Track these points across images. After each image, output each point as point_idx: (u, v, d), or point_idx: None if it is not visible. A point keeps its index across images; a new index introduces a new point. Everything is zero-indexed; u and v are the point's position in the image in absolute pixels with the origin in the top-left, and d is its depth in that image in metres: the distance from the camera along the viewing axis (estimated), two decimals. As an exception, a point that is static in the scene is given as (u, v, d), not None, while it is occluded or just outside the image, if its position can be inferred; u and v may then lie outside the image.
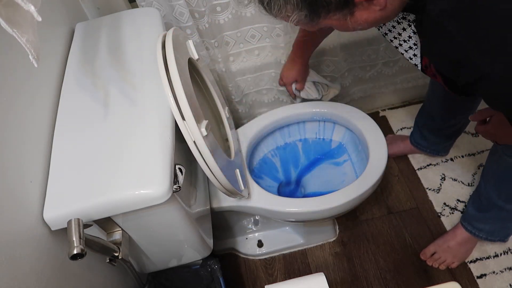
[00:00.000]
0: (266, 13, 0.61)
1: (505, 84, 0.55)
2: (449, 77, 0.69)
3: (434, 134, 1.27)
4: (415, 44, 0.74)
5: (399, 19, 0.72)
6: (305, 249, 1.25)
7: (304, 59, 1.08)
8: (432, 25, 0.59)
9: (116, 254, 0.70)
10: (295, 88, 1.14)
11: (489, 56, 0.53)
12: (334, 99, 1.21)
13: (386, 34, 0.78)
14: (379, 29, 0.79)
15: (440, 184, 1.33)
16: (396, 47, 0.79)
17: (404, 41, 0.75)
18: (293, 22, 0.59)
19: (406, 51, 0.77)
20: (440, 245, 1.16)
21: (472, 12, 0.53)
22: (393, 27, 0.74)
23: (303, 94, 1.15)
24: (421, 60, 0.75)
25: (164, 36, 0.76)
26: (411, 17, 0.70)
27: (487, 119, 0.83)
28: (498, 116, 0.78)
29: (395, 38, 0.77)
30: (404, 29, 0.73)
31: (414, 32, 0.72)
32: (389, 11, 0.59)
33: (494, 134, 0.80)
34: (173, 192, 0.67)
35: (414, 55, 0.75)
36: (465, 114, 1.15)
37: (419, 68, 0.77)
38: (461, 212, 1.26)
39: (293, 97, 1.18)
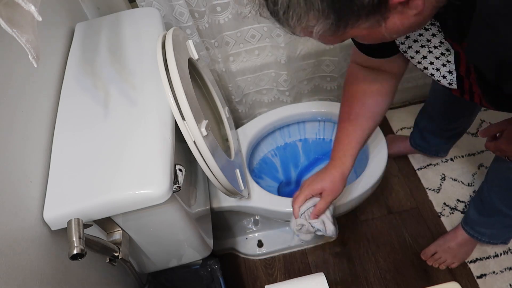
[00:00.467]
0: (280, 26, 0.51)
1: None
2: (490, 89, 0.60)
3: (435, 136, 1.26)
4: (447, 50, 0.64)
5: (427, 25, 0.63)
6: (305, 249, 1.25)
7: (348, 163, 0.79)
8: (480, 26, 0.51)
9: (116, 254, 0.70)
10: (304, 214, 0.79)
11: None
12: None
13: (406, 51, 0.69)
14: (399, 46, 0.69)
15: (440, 184, 1.33)
16: (419, 62, 0.67)
17: (435, 47, 0.65)
18: (317, 34, 0.49)
19: (431, 63, 0.67)
20: (441, 245, 1.16)
21: None
22: (420, 35, 0.65)
23: (317, 225, 0.77)
24: (466, 68, 0.64)
25: (164, 36, 0.76)
26: (438, 23, 0.62)
27: (497, 134, 0.76)
28: (510, 132, 0.72)
29: (417, 52, 0.67)
30: (433, 35, 0.64)
31: (444, 38, 0.63)
32: (424, 15, 0.51)
33: (505, 150, 0.74)
34: (173, 192, 0.67)
35: (448, 61, 0.66)
36: (466, 117, 1.15)
37: (451, 79, 0.66)
38: (461, 212, 1.26)
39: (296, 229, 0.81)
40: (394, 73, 0.79)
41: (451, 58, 0.64)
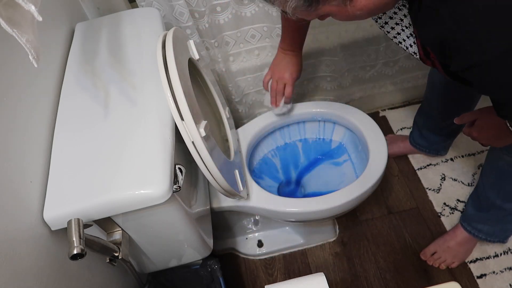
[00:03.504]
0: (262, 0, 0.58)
1: (496, 71, 0.53)
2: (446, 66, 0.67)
3: (434, 133, 1.27)
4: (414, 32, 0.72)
5: (399, 6, 0.70)
6: (305, 249, 1.25)
7: (299, 50, 1.00)
8: (424, 9, 0.57)
9: (116, 254, 0.70)
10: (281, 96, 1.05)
11: (480, 43, 0.51)
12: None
13: (383, 26, 0.76)
14: (376, 21, 0.77)
15: (440, 184, 1.33)
16: (395, 37, 0.76)
17: (406, 27, 0.72)
18: (290, 8, 0.55)
19: (404, 40, 0.74)
20: (440, 245, 1.16)
21: None
22: (395, 13, 0.72)
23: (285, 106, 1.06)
24: (422, 48, 0.72)
25: (165, 36, 0.76)
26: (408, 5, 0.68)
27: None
28: (481, 120, 0.78)
29: (392, 28, 0.74)
30: (405, 16, 0.70)
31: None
32: None
33: (476, 137, 0.80)
34: (173, 192, 0.67)
35: (414, 43, 0.73)
36: (463, 112, 1.15)
37: (417, 57, 0.75)
38: (461, 212, 1.26)
39: (273, 104, 1.08)
40: None
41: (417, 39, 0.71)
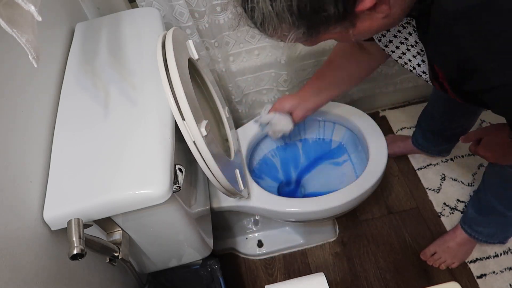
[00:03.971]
0: (260, 33, 0.56)
1: None
2: (458, 86, 0.63)
3: (437, 136, 1.26)
4: (422, 50, 0.68)
5: (404, 23, 0.66)
6: (305, 249, 1.25)
7: (322, 99, 0.97)
8: (434, 28, 0.54)
9: (116, 254, 0.70)
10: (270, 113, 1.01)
11: (501, 65, 0.49)
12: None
13: (387, 45, 0.72)
14: (380, 40, 0.73)
15: (440, 184, 1.33)
16: (400, 57, 0.72)
17: (412, 46, 0.69)
18: (291, 41, 0.55)
19: (409, 60, 0.71)
20: (440, 245, 1.16)
21: (484, 14, 0.47)
22: (399, 31, 0.68)
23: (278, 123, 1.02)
24: (430, 68, 0.68)
25: (164, 36, 0.76)
26: (414, 22, 0.64)
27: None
28: (488, 139, 0.76)
29: (397, 48, 0.71)
30: (410, 34, 0.67)
31: (419, 38, 0.66)
32: (393, 17, 0.54)
33: (483, 155, 0.78)
34: (173, 192, 0.67)
35: (423, 61, 0.70)
36: (468, 117, 1.15)
37: (426, 77, 0.71)
38: (461, 212, 1.26)
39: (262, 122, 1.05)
40: (376, 57, 0.88)
41: (425, 57, 0.67)
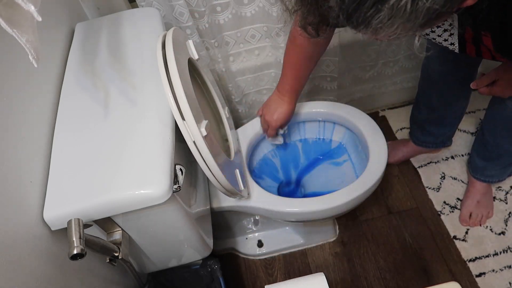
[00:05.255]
0: (352, 27, 0.46)
1: None
2: (502, 44, 0.63)
3: (438, 125, 1.26)
4: (450, 25, 0.71)
5: None
6: (305, 249, 1.25)
7: (294, 98, 1.01)
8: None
9: (116, 254, 0.70)
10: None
11: None
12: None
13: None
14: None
15: (440, 183, 1.34)
16: (427, 34, 0.75)
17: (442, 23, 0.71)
18: (389, 37, 0.45)
19: (439, 35, 0.75)
20: (470, 204, 1.23)
21: None
22: None
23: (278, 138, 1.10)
24: (463, 34, 0.71)
25: (164, 36, 0.76)
26: None
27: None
28: (503, 80, 0.82)
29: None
30: None
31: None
32: None
33: (500, 94, 0.84)
34: (173, 192, 0.67)
35: (451, 35, 0.73)
36: (462, 97, 1.17)
37: (455, 47, 0.75)
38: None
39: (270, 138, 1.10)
40: (326, 43, 0.96)
41: (454, 30, 0.72)
